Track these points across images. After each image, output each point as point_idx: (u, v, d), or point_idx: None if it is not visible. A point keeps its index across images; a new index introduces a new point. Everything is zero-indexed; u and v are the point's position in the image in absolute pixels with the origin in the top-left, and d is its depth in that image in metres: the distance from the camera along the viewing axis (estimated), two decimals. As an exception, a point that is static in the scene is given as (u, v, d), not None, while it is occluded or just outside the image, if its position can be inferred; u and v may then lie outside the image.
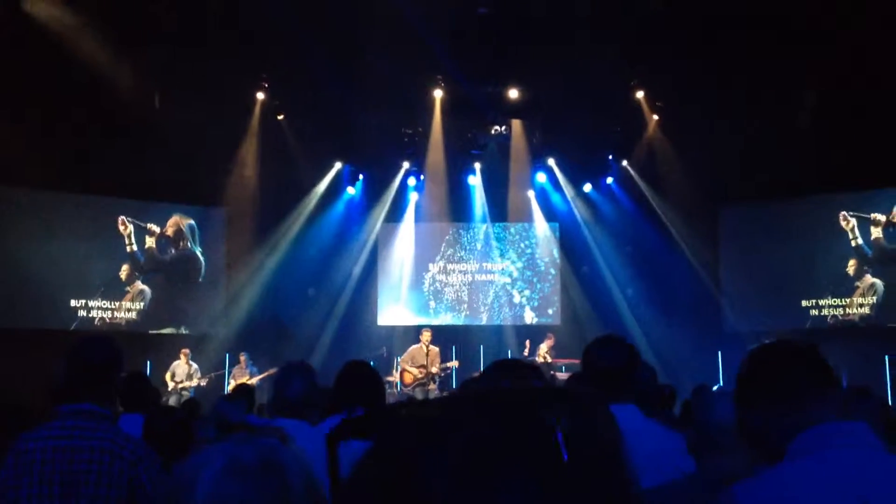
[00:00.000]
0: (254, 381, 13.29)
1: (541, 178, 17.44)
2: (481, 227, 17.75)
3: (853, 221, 15.21)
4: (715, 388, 7.81)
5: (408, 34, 12.74)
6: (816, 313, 15.50)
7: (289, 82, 15.16)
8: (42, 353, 11.65)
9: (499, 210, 17.55)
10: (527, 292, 17.66)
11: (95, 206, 15.10)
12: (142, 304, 15.55)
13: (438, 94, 15.73)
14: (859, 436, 1.93)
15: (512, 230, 17.85)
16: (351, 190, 17.42)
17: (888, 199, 14.92)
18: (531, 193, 17.53)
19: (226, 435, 1.50)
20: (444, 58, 14.29)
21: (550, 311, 17.55)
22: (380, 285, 17.58)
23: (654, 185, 16.64)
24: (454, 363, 14.64)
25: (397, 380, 14.14)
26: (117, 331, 14.68)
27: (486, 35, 13.64)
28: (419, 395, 12.96)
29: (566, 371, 13.89)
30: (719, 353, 14.59)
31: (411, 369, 13.89)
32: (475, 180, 17.42)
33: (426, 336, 14.16)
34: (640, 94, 15.62)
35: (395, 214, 17.57)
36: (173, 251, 16.02)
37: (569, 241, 17.53)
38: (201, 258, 16.33)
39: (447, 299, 17.62)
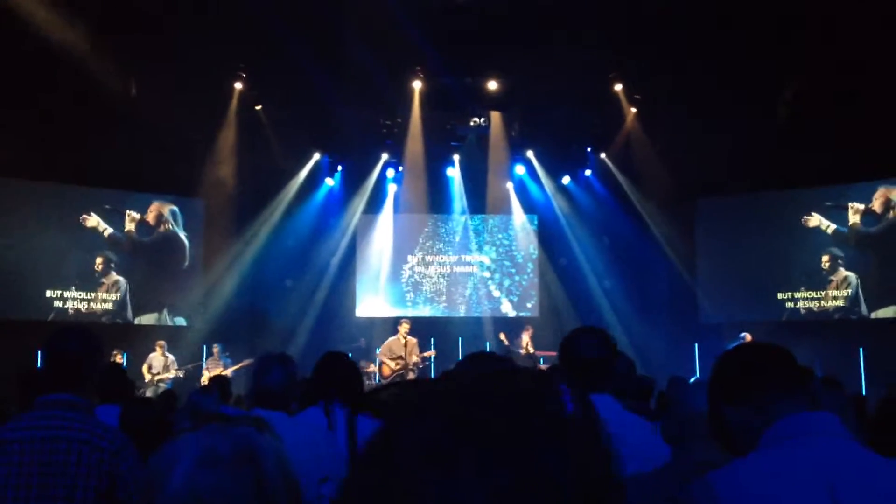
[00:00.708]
0: (227, 372, 13.25)
1: (519, 170, 17.47)
2: (460, 219, 17.76)
3: (818, 217, 15.36)
4: (692, 379, 7.87)
5: (387, 25, 12.71)
6: (792, 305, 15.64)
7: (267, 72, 15.08)
8: (18, 344, 11.63)
9: (477, 202, 17.56)
10: (505, 284, 17.70)
11: (70, 197, 14.97)
12: (118, 294, 15.44)
13: (417, 85, 15.70)
14: (828, 425, 1.97)
15: (490, 222, 17.87)
16: (329, 181, 17.38)
17: (863, 192, 15.06)
18: (510, 185, 17.56)
19: (200, 425, 1.50)
20: (423, 49, 14.27)
21: (528, 304, 17.60)
22: (358, 276, 17.56)
23: (631, 177, 16.72)
24: (431, 353, 14.66)
25: (376, 371, 14.15)
26: (94, 322, 14.60)
27: (466, 27, 13.62)
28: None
29: (545, 363, 13.95)
30: (696, 344, 14.71)
31: (389, 361, 13.91)
32: (454, 172, 17.43)
33: (404, 327, 14.17)
34: (618, 87, 15.67)
35: (374, 206, 17.55)
36: (154, 235, 15.89)
37: (547, 234, 17.58)
38: (185, 241, 16.23)
39: (426, 291, 17.63)
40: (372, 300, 17.49)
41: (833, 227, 15.26)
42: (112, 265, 15.39)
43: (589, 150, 17.09)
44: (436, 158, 16.98)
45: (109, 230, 15.34)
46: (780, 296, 15.71)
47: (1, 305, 13.84)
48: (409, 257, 17.70)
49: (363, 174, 17.23)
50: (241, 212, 16.44)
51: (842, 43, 12.52)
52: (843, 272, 15.19)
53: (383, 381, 13.78)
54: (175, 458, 1.43)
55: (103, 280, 15.32)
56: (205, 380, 12.89)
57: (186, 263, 16.23)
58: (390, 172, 17.38)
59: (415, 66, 15.35)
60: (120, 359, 13.16)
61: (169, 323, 15.83)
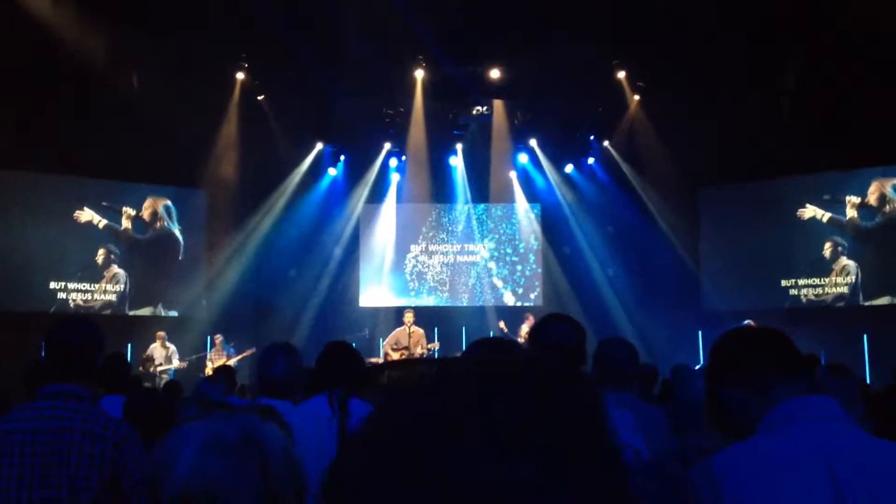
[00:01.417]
0: (231, 362, 13.27)
1: (522, 158, 17.45)
2: (463, 208, 17.75)
3: (812, 208, 15.33)
4: (697, 367, 7.88)
5: (389, 14, 12.68)
6: (795, 293, 15.63)
7: (269, 62, 15.07)
8: (21, 336, 11.66)
9: (480, 191, 17.54)
10: (508, 273, 17.70)
11: (72, 188, 14.96)
12: (119, 286, 15.45)
13: (420, 74, 15.66)
14: (827, 410, 1.98)
15: (493, 211, 17.85)
16: (332, 171, 17.36)
17: (865, 178, 15.03)
18: (513, 174, 17.53)
19: (206, 413, 1.51)
20: (425, 38, 14.24)
21: (532, 293, 17.59)
22: (361, 266, 17.56)
23: (635, 165, 16.69)
24: (434, 345, 14.65)
25: (381, 363, 14.15)
26: (96, 313, 14.63)
27: (468, 15, 13.58)
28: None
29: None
30: (700, 332, 14.70)
31: (393, 352, 13.92)
32: (457, 161, 17.42)
33: (408, 317, 14.17)
34: (621, 75, 15.63)
35: (377, 195, 17.54)
36: (150, 232, 15.90)
37: (550, 222, 17.56)
38: (179, 236, 16.23)
39: (429, 280, 17.63)
40: (375, 290, 17.50)
41: (828, 215, 15.24)
42: (113, 257, 15.40)
43: (592, 138, 17.07)
44: (438, 147, 16.96)
45: (104, 222, 15.33)
46: (783, 283, 15.69)
47: (4, 297, 13.86)
48: (413, 247, 17.70)
49: (366, 164, 17.22)
50: (243, 202, 16.44)
51: (844, 33, 12.49)
52: (844, 260, 15.18)
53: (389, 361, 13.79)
54: (181, 446, 1.44)
55: (105, 272, 15.33)
56: (209, 370, 12.90)
57: (180, 258, 16.22)
58: (393, 162, 17.37)
59: (417, 55, 15.32)
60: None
61: (163, 314, 15.82)
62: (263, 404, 3.31)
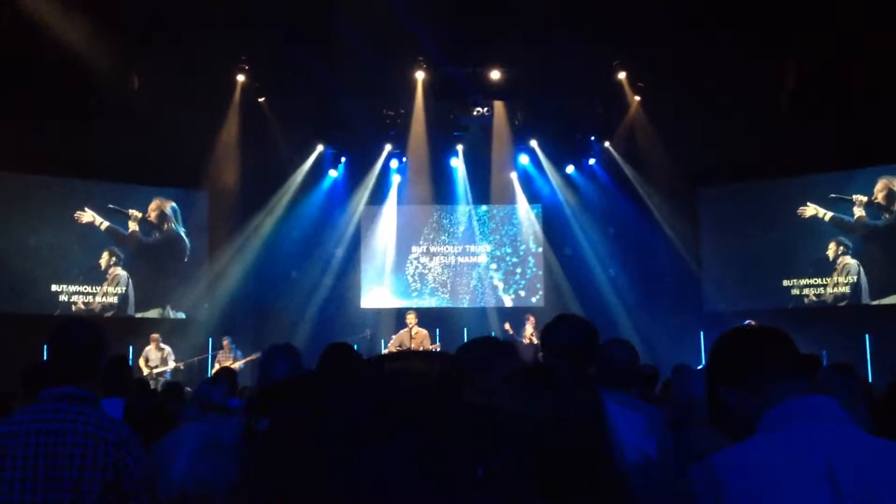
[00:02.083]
0: (238, 364, 13.28)
1: (523, 159, 17.45)
2: (464, 210, 17.75)
3: (814, 206, 15.32)
4: (699, 367, 7.87)
5: (389, 15, 12.68)
6: (798, 293, 15.62)
7: (269, 64, 15.08)
8: (22, 338, 11.66)
9: (481, 192, 17.54)
10: (509, 274, 17.69)
11: (74, 191, 14.98)
12: (121, 289, 15.46)
13: (420, 75, 15.67)
14: (827, 409, 1.98)
15: (494, 212, 17.85)
16: (333, 172, 17.37)
17: (866, 178, 15.02)
18: (514, 175, 17.53)
19: (202, 415, 1.51)
20: (425, 39, 14.24)
21: (533, 294, 17.59)
22: (363, 268, 17.56)
23: (636, 166, 16.68)
24: (435, 346, 14.64)
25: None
26: (97, 316, 14.63)
27: (468, 16, 13.59)
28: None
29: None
30: (701, 332, 14.69)
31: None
32: (457, 162, 17.41)
33: (411, 318, 14.16)
34: (621, 75, 15.63)
35: (378, 197, 17.54)
36: (157, 234, 15.92)
37: (551, 223, 17.56)
38: (185, 239, 16.25)
39: (430, 282, 17.63)
40: (377, 291, 17.50)
41: (830, 214, 15.22)
42: (116, 260, 15.40)
43: (593, 138, 17.06)
44: (439, 149, 16.97)
45: (106, 223, 15.34)
46: (785, 283, 15.69)
47: (6, 299, 13.87)
48: (414, 248, 17.70)
49: (367, 165, 17.23)
50: (245, 204, 16.45)
51: (844, 31, 12.49)
52: (847, 259, 15.16)
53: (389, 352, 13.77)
54: (177, 447, 1.44)
55: (108, 275, 15.34)
56: (214, 372, 12.90)
57: (186, 260, 16.23)
58: (394, 163, 17.37)
59: (417, 57, 15.33)
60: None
61: (171, 317, 15.84)
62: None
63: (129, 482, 2.93)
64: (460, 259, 17.77)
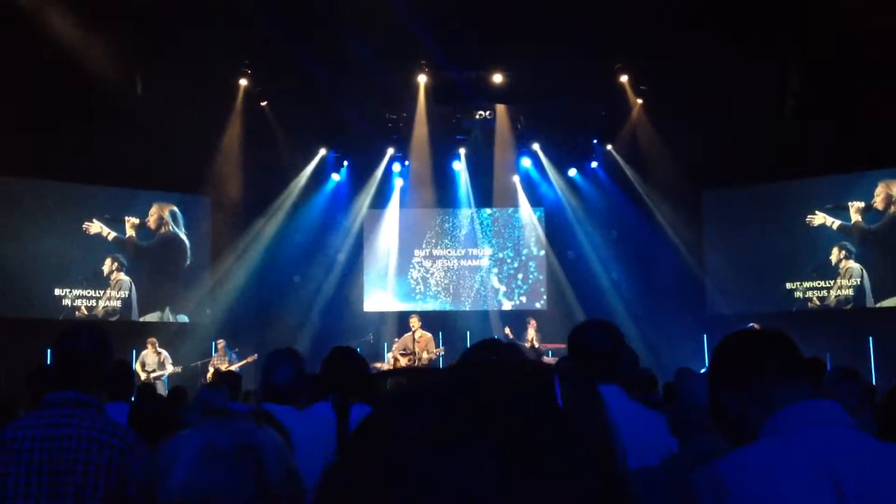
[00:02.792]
0: (233, 367, 13.24)
1: (526, 163, 17.45)
2: (466, 213, 17.75)
3: (821, 215, 15.30)
4: (703, 370, 7.86)
5: (391, 19, 12.69)
6: (801, 296, 15.60)
7: (272, 68, 15.09)
8: (24, 343, 11.68)
9: (484, 195, 17.54)
10: (512, 278, 17.69)
11: (76, 195, 14.97)
12: (124, 293, 15.46)
13: (422, 79, 15.68)
14: (830, 413, 1.97)
15: (497, 215, 17.85)
16: (336, 176, 17.38)
17: (869, 181, 15.01)
18: (516, 178, 17.53)
19: (201, 420, 1.51)
20: (427, 43, 14.25)
21: (536, 297, 17.58)
22: (365, 271, 17.57)
23: (638, 169, 16.68)
24: (440, 350, 14.62)
25: (388, 368, 14.13)
26: (101, 320, 14.63)
27: (470, 20, 13.60)
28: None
29: (553, 356, 13.94)
30: (704, 336, 14.67)
31: (401, 358, 13.90)
32: (460, 166, 17.42)
33: (415, 322, 14.15)
34: (624, 78, 15.62)
35: (381, 200, 17.54)
36: (156, 237, 15.93)
37: (554, 226, 17.56)
38: (186, 241, 16.26)
39: (433, 285, 17.63)
40: (379, 295, 17.51)
41: (838, 222, 15.21)
42: (119, 266, 15.41)
43: (595, 141, 17.07)
44: (442, 152, 16.97)
45: (113, 234, 15.38)
46: (788, 286, 15.67)
47: (9, 304, 13.88)
48: (416, 252, 17.70)
49: (369, 169, 17.23)
50: (247, 208, 16.46)
51: (847, 33, 12.49)
52: (850, 263, 15.14)
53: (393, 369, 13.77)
54: (176, 454, 1.44)
55: (111, 280, 15.35)
56: (210, 375, 12.88)
57: (188, 263, 16.25)
58: (396, 167, 17.38)
59: (419, 60, 15.34)
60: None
61: (172, 320, 15.85)
62: (260, 410, 3.32)
63: (133, 487, 2.93)
64: (463, 262, 17.77)
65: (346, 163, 17.40)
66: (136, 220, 15.67)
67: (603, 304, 16.11)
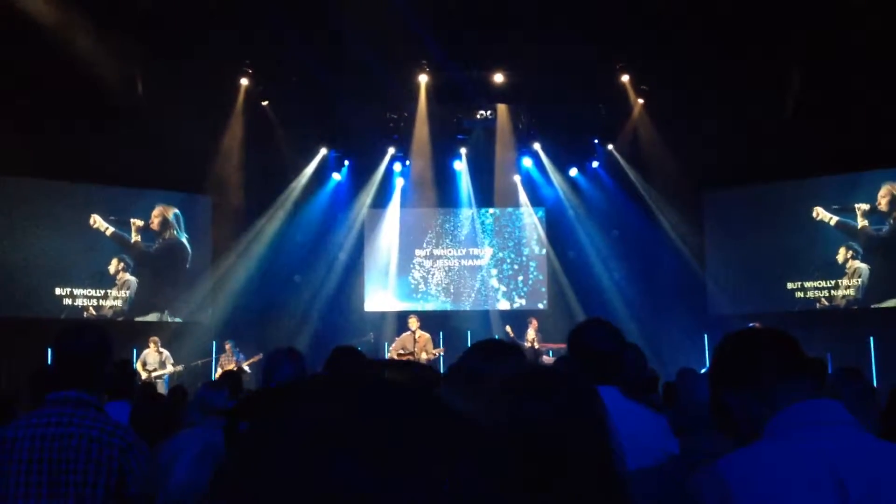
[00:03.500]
0: (241, 367, 13.28)
1: (527, 162, 17.44)
2: (467, 213, 17.74)
3: (824, 213, 15.27)
4: (703, 370, 7.87)
5: (392, 19, 12.69)
6: (802, 296, 15.59)
7: (273, 68, 15.09)
8: (26, 342, 11.69)
9: (485, 195, 17.53)
10: (513, 277, 17.68)
11: (76, 195, 14.97)
12: (127, 292, 15.47)
13: (423, 78, 15.68)
14: (832, 413, 1.97)
15: (498, 215, 17.85)
16: (336, 176, 17.38)
17: (872, 181, 15.00)
18: (517, 178, 17.53)
19: (200, 421, 1.51)
20: (428, 43, 14.26)
21: (536, 297, 17.58)
22: (366, 271, 17.56)
23: (639, 168, 16.68)
24: (440, 350, 14.62)
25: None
26: (103, 319, 14.64)
27: (471, 20, 13.60)
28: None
29: (553, 356, 13.94)
30: (705, 335, 14.67)
31: (399, 357, 13.90)
32: (461, 165, 17.41)
33: (413, 322, 14.17)
34: (625, 78, 15.62)
35: (381, 200, 17.54)
36: (160, 241, 15.94)
37: (555, 226, 17.55)
38: (188, 246, 16.27)
39: (434, 285, 17.63)
40: (380, 295, 17.50)
41: (836, 219, 15.18)
42: (125, 266, 15.41)
43: (596, 141, 17.06)
44: (442, 152, 16.96)
45: (111, 229, 15.37)
46: (789, 286, 15.67)
47: (10, 303, 13.88)
48: (417, 251, 17.70)
49: (370, 169, 17.23)
50: (248, 208, 16.46)
51: (849, 33, 12.48)
52: (857, 263, 15.11)
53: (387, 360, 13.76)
54: (177, 454, 1.44)
55: (117, 280, 15.36)
56: (217, 375, 12.89)
57: (188, 266, 16.25)
58: (397, 166, 17.37)
59: (420, 60, 15.34)
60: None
61: (173, 321, 15.85)
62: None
63: (133, 487, 2.93)
64: (464, 262, 17.77)
65: (346, 162, 17.40)
66: (141, 223, 15.68)
67: (604, 303, 16.10)
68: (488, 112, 16.43)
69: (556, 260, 17.45)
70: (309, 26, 13.22)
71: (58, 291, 14.73)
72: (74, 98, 13.04)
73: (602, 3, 12.99)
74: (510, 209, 17.79)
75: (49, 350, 9.93)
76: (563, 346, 10.67)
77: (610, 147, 16.92)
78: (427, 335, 14.17)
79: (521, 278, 17.67)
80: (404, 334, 14.31)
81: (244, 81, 15.34)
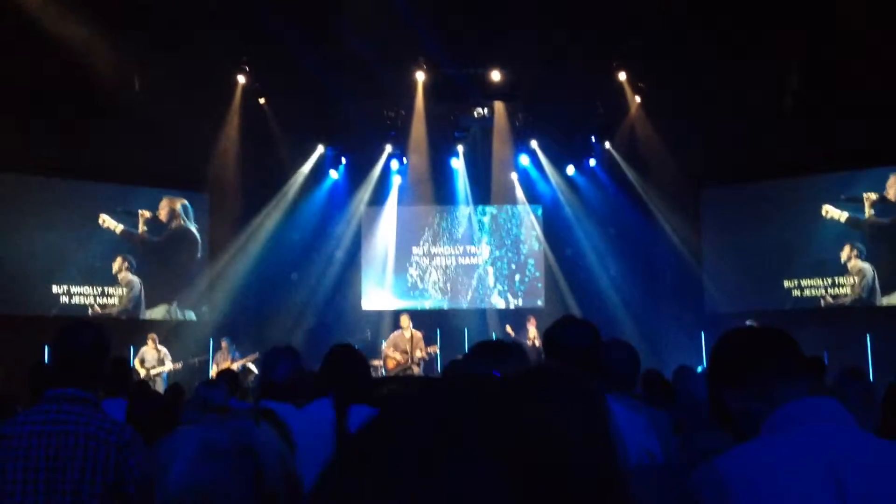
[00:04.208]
0: (236, 365, 13.26)
1: (524, 160, 17.43)
2: (465, 210, 17.73)
3: (833, 210, 15.26)
4: (700, 369, 7.87)
5: (389, 16, 12.69)
6: (798, 294, 15.61)
7: (270, 65, 15.06)
8: (24, 339, 11.68)
9: (482, 193, 17.52)
10: (511, 275, 17.68)
11: (76, 192, 14.95)
12: (130, 292, 15.44)
13: (420, 76, 15.66)
14: (830, 411, 1.97)
15: (495, 213, 17.85)
16: (333, 173, 17.36)
17: (870, 179, 15.00)
18: (514, 176, 17.52)
19: (199, 418, 1.51)
20: (426, 40, 14.25)
21: (534, 295, 17.58)
22: (363, 269, 17.55)
23: (637, 166, 16.68)
24: (434, 348, 14.62)
25: (381, 365, 14.15)
26: (105, 317, 14.63)
27: (469, 17, 13.59)
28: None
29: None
30: (703, 333, 14.68)
31: (394, 355, 13.90)
32: (458, 163, 17.40)
33: (405, 321, 14.16)
34: (622, 76, 15.62)
35: (379, 198, 17.52)
36: (167, 231, 15.93)
37: (552, 224, 17.54)
38: (198, 236, 16.29)
39: (431, 283, 17.62)
40: (377, 293, 17.49)
41: (846, 215, 15.14)
42: (128, 266, 15.39)
43: (594, 139, 17.05)
44: (440, 149, 16.96)
45: (121, 227, 15.38)
46: (786, 284, 15.68)
47: (7, 301, 13.86)
48: (414, 249, 17.69)
49: (367, 166, 17.21)
50: (245, 205, 16.45)
51: (849, 28, 12.48)
52: (859, 263, 15.09)
53: (388, 375, 13.77)
54: (175, 452, 1.44)
55: (119, 277, 15.34)
56: (214, 373, 12.88)
57: (199, 256, 16.26)
58: (394, 164, 17.35)
59: (417, 57, 15.32)
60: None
61: (179, 317, 15.85)
62: (262, 407, 3.31)
63: (130, 485, 2.93)
64: (461, 260, 17.76)
65: (344, 160, 17.37)
66: (148, 213, 15.67)
67: (601, 301, 16.12)
68: (485, 110, 16.42)
69: (554, 258, 17.44)
70: (306, 24, 13.21)
71: (55, 289, 14.71)
72: (70, 95, 13.03)
73: (599, 0, 12.99)
74: (507, 207, 17.78)
75: (46, 347, 9.93)
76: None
77: (607, 145, 16.92)
78: (419, 333, 14.16)
79: (518, 276, 17.67)
80: (396, 332, 14.30)
81: (241, 78, 15.31)
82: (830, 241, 15.34)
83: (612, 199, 16.96)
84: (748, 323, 12.14)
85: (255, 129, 15.78)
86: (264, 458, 1.46)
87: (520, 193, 17.59)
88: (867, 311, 14.80)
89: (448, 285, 17.62)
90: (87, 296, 15.04)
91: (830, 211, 15.26)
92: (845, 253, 15.19)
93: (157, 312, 15.74)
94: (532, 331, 14.66)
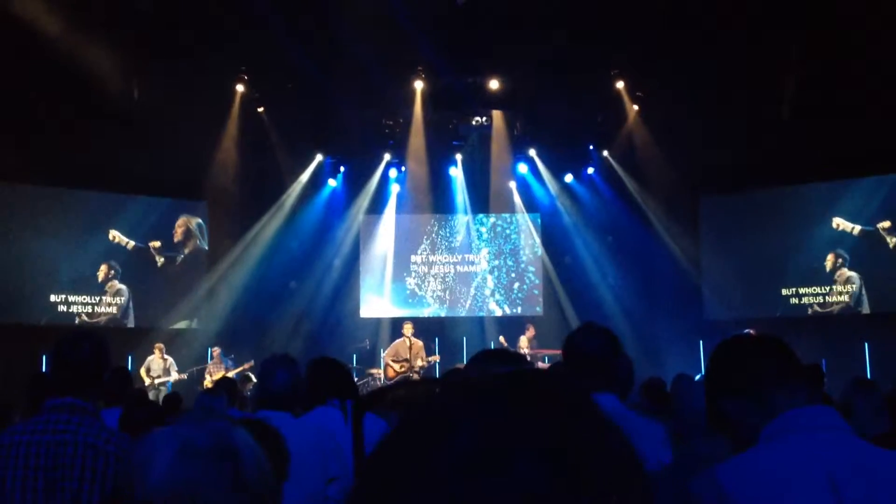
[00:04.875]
0: (230, 374, 13.21)
1: (522, 168, 17.44)
2: (463, 219, 17.73)
3: (845, 224, 15.24)
4: (697, 377, 7.85)
5: (388, 25, 12.72)
6: (797, 302, 15.61)
7: (268, 74, 15.10)
8: (21, 348, 11.66)
9: (480, 201, 17.53)
10: (508, 283, 17.67)
11: (73, 200, 14.95)
12: (121, 300, 15.44)
13: (419, 85, 15.69)
14: (827, 419, 1.98)
15: (493, 221, 17.85)
16: (332, 182, 17.36)
17: (866, 188, 15.02)
18: (513, 184, 17.53)
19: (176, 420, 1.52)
20: (424, 49, 14.28)
21: (532, 303, 17.57)
22: (362, 277, 17.54)
23: (635, 174, 16.68)
24: (434, 357, 14.59)
25: (381, 374, 14.13)
26: (101, 326, 14.61)
27: (467, 26, 13.62)
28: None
29: (548, 361, 13.93)
30: (701, 341, 14.67)
31: (394, 364, 13.88)
32: (456, 171, 17.40)
33: (408, 329, 14.14)
34: (620, 84, 15.65)
35: (377, 206, 17.52)
36: (185, 253, 16.15)
37: (550, 232, 17.54)
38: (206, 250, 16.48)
39: (429, 291, 17.61)
40: (376, 301, 17.47)
41: (858, 227, 15.08)
42: (114, 273, 15.39)
43: (592, 147, 17.07)
44: (438, 158, 16.96)
45: (132, 243, 15.43)
46: (784, 292, 15.68)
47: (3, 309, 13.84)
48: (413, 257, 17.68)
49: (366, 175, 17.21)
50: (244, 214, 16.46)
51: (847, 36, 12.51)
52: (845, 272, 15.12)
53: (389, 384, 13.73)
54: (155, 451, 1.44)
55: (106, 287, 15.33)
56: (207, 383, 12.85)
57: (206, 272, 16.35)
58: (393, 173, 17.35)
59: (416, 66, 15.35)
60: None
61: (185, 327, 15.87)
62: (251, 418, 3.31)
63: (129, 494, 2.92)
64: (459, 268, 17.75)
65: (342, 168, 17.37)
66: (158, 244, 15.83)
67: (599, 309, 16.09)
68: (484, 118, 16.43)
69: (552, 266, 17.44)
70: (305, 32, 13.24)
71: (52, 298, 14.70)
72: (69, 103, 13.03)
73: (598, 9, 13.02)
74: (506, 215, 17.78)
75: (43, 356, 9.92)
76: (559, 352, 10.67)
77: (605, 153, 16.94)
78: (420, 342, 14.15)
79: (516, 285, 17.66)
80: (397, 341, 14.29)
81: (240, 87, 15.33)
82: (828, 249, 15.34)
83: (610, 207, 16.96)
84: (746, 332, 12.13)
85: (254, 137, 15.80)
86: (243, 458, 1.47)
87: (518, 202, 17.60)
88: (865, 320, 14.81)
89: (446, 293, 17.61)
90: (85, 304, 15.03)
91: (842, 224, 15.22)
92: (830, 262, 15.19)
93: (180, 325, 15.85)
94: (524, 340, 14.64)
